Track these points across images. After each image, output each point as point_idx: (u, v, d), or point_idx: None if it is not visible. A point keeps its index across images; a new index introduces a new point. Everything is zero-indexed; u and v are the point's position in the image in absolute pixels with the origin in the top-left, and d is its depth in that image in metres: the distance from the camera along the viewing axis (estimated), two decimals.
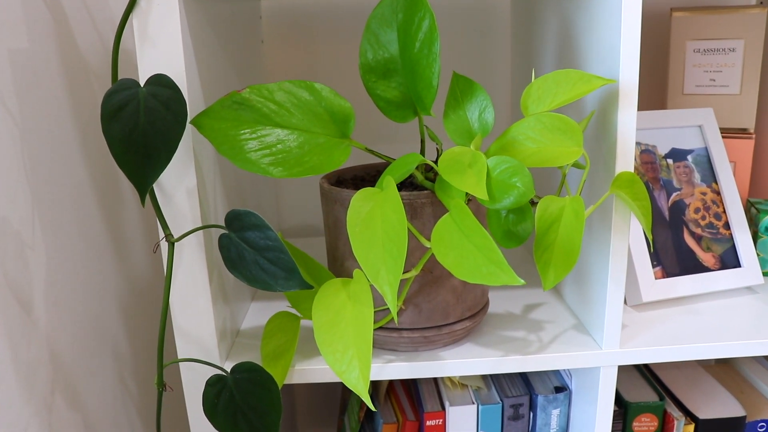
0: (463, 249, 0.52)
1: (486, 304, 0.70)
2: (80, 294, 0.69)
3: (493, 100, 1.07)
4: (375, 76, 0.63)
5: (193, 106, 0.58)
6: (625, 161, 0.60)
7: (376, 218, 0.53)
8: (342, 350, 0.54)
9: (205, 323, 0.63)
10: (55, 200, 0.65)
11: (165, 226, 0.58)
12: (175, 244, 0.59)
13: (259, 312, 0.79)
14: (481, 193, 0.52)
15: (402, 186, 0.65)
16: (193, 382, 0.65)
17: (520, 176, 0.53)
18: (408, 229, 0.55)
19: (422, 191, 0.60)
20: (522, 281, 0.49)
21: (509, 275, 0.50)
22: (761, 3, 0.99)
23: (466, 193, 0.56)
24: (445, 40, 1.04)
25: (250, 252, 0.56)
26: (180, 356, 0.63)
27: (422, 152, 0.65)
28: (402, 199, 0.57)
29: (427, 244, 0.58)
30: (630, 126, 0.59)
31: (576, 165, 0.63)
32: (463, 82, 0.65)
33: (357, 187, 0.65)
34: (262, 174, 0.56)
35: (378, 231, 0.53)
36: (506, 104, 1.07)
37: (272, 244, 0.56)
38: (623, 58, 0.57)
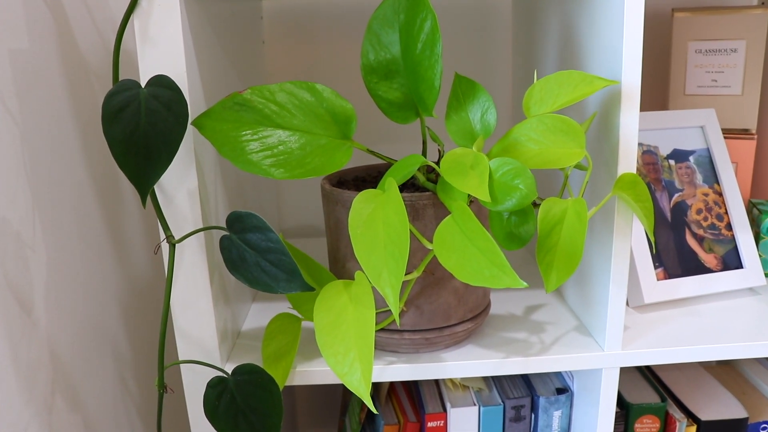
0: (465, 251, 0.51)
1: (488, 306, 0.70)
2: (81, 295, 0.69)
3: (494, 101, 1.06)
4: (377, 77, 0.63)
5: (194, 107, 0.58)
6: (628, 162, 0.60)
7: (377, 220, 0.53)
8: (343, 352, 0.54)
9: (206, 324, 0.62)
10: (55, 200, 0.65)
11: (166, 228, 0.58)
12: (176, 245, 0.59)
13: (260, 313, 0.79)
14: (483, 195, 0.52)
15: (404, 187, 0.65)
16: (194, 384, 0.65)
17: (523, 178, 0.53)
18: (410, 230, 0.55)
19: (424, 193, 0.60)
20: (525, 284, 0.49)
21: (512, 278, 0.49)
22: (763, 3, 0.99)
23: (468, 195, 0.56)
24: (446, 41, 1.04)
25: (251, 254, 0.56)
26: (181, 358, 0.63)
27: (424, 153, 0.65)
28: (404, 201, 0.57)
29: (429, 246, 0.58)
30: (632, 127, 0.59)
31: (578, 167, 0.62)
32: (465, 83, 0.65)
33: (358, 189, 0.65)
34: (264, 175, 0.56)
35: (380, 232, 0.53)
36: (507, 105, 1.07)
37: (273, 245, 0.56)
38: (626, 59, 0.57)
